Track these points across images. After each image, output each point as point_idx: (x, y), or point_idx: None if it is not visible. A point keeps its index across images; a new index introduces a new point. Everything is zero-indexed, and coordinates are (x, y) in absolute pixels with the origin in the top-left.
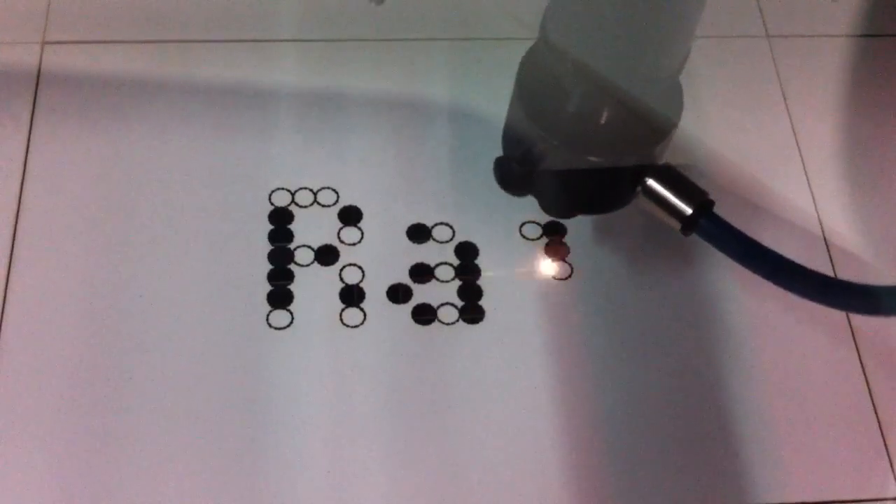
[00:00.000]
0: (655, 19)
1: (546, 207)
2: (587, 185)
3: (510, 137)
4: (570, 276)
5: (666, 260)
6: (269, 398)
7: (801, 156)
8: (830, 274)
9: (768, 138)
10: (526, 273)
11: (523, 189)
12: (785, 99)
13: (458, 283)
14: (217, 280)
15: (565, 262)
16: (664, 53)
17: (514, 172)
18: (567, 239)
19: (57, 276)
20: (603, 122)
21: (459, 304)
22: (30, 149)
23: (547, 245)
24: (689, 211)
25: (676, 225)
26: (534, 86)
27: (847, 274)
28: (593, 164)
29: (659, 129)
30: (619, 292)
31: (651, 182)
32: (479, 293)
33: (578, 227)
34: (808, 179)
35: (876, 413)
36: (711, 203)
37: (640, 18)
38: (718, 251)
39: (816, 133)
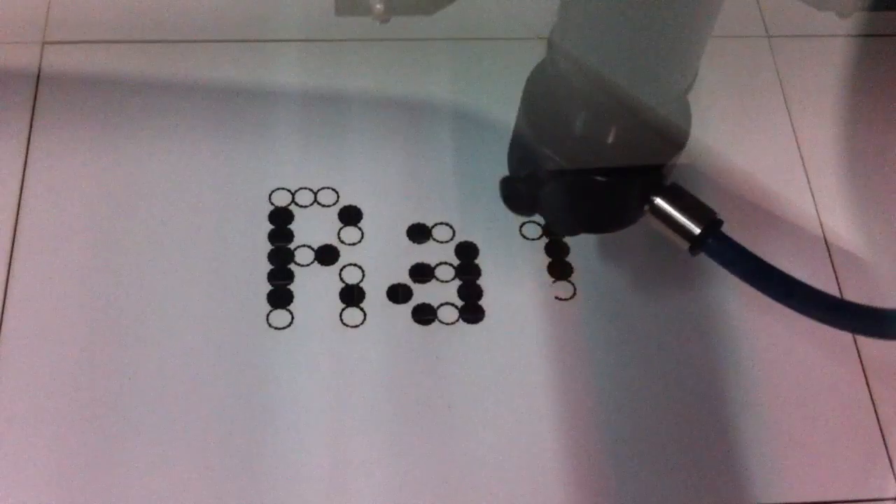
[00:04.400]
0: (665, 39)
1: (552, 225)
2: (594, 204)
3: (515, 157)
4: (570, 274)
5: (667, 267)
6: (269, 398)
7: (801, 155)
8: (831, 275)
9: (768, 138)
10: (526, 272)
11: (530, 209)
12: (785, 99)
13: (458, 283)
14: (217, 280)
15: (565, 261)
16: (673, 72)
17: (521, 193)
18: (566, 238)
19: (57, 276)
20: (610, 141)
21: (459, 304)
22: (30, 149)
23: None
24: (697, 230)
25: (684, 244)
26: (540, 105)
27: (848, 274)
28: (600, 183)
29: (667, 148)
30: (619, 290)
31: (659, 201)
32: (479, 293)
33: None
34: (808, 179)
35: (876, 413)
36: (720, 222)
37: (650, 38)
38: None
39: (817, 133)
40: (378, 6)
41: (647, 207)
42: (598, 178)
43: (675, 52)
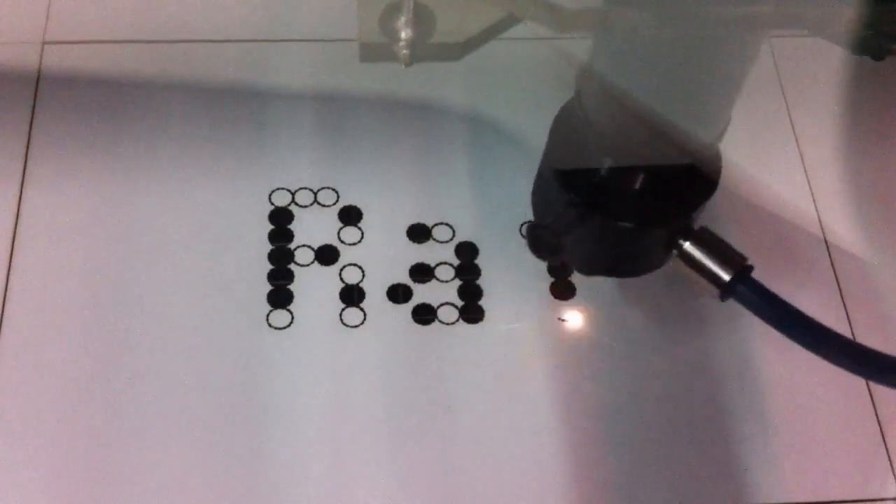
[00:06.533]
0: (697, 87)
1: (577, 267)
2: (621, 249)
3: (540, 202)
4: (570, 274)
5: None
6: (269, 398)
7: (800, 155)
8: (832, 276)
9: (768, 138)
10: (526, 272)
11: (556, 255)
12: (785, 99)
13: (458, 283)
14: (217, 280)
15: (565, 262)
16: (705, 121)
17: (546, 240)
18: None
19: (57, 276)
20: (638, 187)
21: (459, 304)
22: (30, 149)
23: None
24: (727, 277)
25: (714, 290)
26: (566, 149)
27: (847, 274)
28: (628, 230)
29: (697, 194)
30: (617, 289)
31: (688, 246)
32: (479, 293)
33: None
34: (807, 179)
35: (876, 413)
36: (750, 268)
37: (682, 85)
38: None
39: (816, 132)
40: (404, 52)
41: (675, 252)
42: (625, 223)
43: (708, 100)
